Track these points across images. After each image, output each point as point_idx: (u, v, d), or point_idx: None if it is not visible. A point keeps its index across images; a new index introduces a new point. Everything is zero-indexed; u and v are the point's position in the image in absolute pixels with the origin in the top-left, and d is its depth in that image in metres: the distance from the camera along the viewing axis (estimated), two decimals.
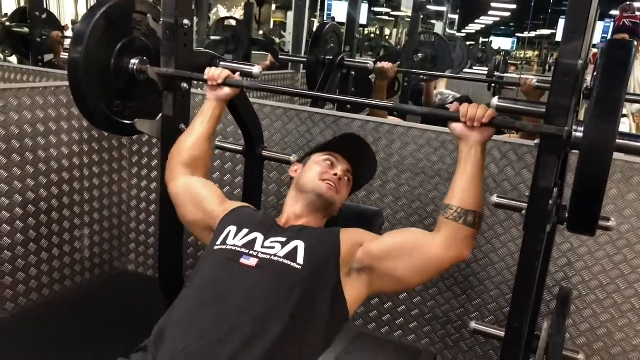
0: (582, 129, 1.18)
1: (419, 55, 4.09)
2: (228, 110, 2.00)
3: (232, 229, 1.47)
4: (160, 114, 1.79)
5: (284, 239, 1.41)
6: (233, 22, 4.57)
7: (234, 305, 1.29)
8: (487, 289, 2.16)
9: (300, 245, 1.39)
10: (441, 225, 1.36)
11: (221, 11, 9.26)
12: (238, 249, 1.41)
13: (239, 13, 9.65)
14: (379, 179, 2.24)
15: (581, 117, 1.47)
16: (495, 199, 1.56)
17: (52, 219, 2.37)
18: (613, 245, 1.95)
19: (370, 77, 4.18)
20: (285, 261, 1.36)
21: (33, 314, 2.32)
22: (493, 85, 4.61)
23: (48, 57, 4.19)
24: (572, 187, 1.15)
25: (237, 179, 2.49)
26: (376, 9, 17.17)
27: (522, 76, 2.86)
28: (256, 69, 1.78)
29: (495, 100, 1.39)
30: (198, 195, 1.60)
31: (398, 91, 4.42)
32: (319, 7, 10.83)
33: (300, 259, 1.36)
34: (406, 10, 14.15)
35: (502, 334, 1.53)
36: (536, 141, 1.45)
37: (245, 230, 1.45)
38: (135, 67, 1.75)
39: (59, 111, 2.31)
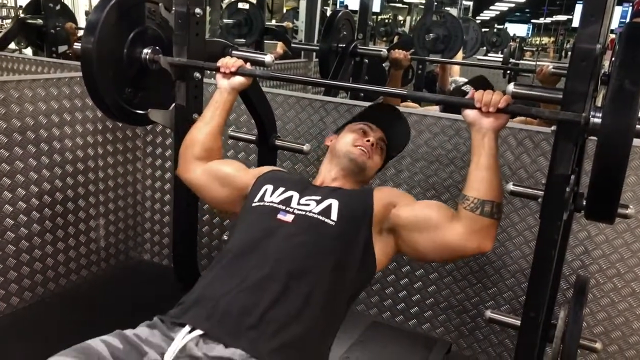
0: (600, 114, 1.15)
1: (431, 35, 4.00)
2: (241, 100, 2.00)
3: (269, 187, 1.52)
4: (174, 104, 1.79)
5: (318, 197, 1.46)
6: (246, 5, 4.53)
7: (270, 258, 1.33)
8: (503, 278, 2.14)
9: (334, 203, 1.43)
10: (460, 214, 1.36)
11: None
12: (275, 205, 1.45)
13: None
14: (392, 167, 2.22)
15: (598, 104, 1.45)
16: (511, 186, 1.54)
17: (68, 210, 2.39)
18: (631, 233, 1.92)
19: (383, 65, 4.14)
20: (320, 217, 1.40)
21: (50, 303, 2.35)
22: (508, 72, 4.55)
23: (62, 49, 4.20)
24: (590, 174, 1.13)
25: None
26: None
27: (538, 62, 2.81)
28: (268, 58, 1.77)
29: (511, 87, 1.37)
30: (223, 174, 1.63)
31: (412, 79, 4.38)
32: None
33: (334, 215, 1.40)
34: None
35: (518, 322, 1.52)
36: (553, 128, 1.43)
37: (281, 189, 1.50)
38: (147, 56, 1.75)
39: (73, 102, 2.32)
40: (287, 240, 1.37)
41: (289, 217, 1.41)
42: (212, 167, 1.65)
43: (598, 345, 1.63)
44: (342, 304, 1.40)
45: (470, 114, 1.36)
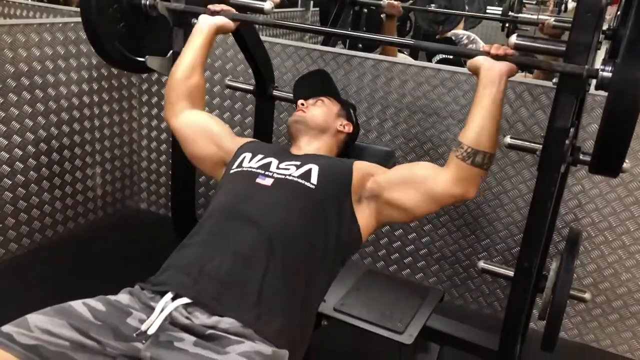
0: (610, 68, 1.15)
1: (432, 5, 3.99)
2: (238, 49, 1.98)
3: (247, 155, 1.51)
4: (171, 51, 1.77)
5: (298, 162, 1.46)
6: None
7: (251, 222, 1.32)
8: (496, 230, 2.17)
9: (314, 167, 1.43)
10: (450, 162, 1.36)
11: None
12: (254, 169, 1.45)
13: None
14: (390, 120, 2.22)
15: (599, 59, 1.44)
16: (508, 139, 1.54)
17: (64, 157, 2.39)
18: (625, 187, 1.95)
19: (381, 16, 4.06)
20: (300, 180, 1.40)
21: (48, 250, 2.38)
22: (507, 25, 4.48)
23: None
24: (599, 128, 1.12)
25: (247, 119, 2.48)
26: None
27: (540, 17, 2.78)
28: (267, 5, 1.72)
29: (513, 38, 1.36)
30: (210, 130, 1.61)
31: (410, 31, 4.32)
32: None
33: (314, 179, 1.40)
34: None
35: (511, 273, 1.56)
36: (554, 80, 1.42)
37: (260, 156, 1.50)
38: (147, 2, 1.71)
39: (68, 48, 2.28)
40: (267, 204, 1.36)
41: (268, 181, 1.40)
42: (200, 119, 1.62)
43: (587, 296, 1.66)
44: (327, 269, 1.40)
45: (477, 59, 1.34)
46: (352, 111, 1.71)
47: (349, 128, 1.66)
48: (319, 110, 1.63)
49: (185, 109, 1.61)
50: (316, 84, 1.74)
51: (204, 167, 1.65)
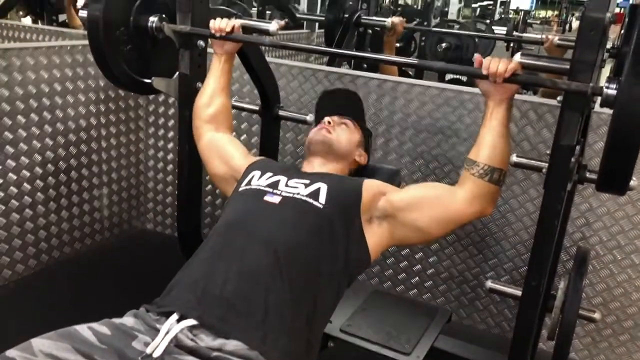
0: (614, 86, 1.15)
1: (443, 45, 4.04)
2: (244, 70, 1.99)
3: (256, 173, 1.52)
4: (177, 73, 1.79)
5: (307, 181, 1.46)
6: None
7: (258, 240, 1.32)
8: (504, 249, 2.16)
9: (323, 186, 1.43)
10: (465, 181, 1.35)
11: None
12: (262, 187, 1.45)
13: None
14: (396, 139, 2.22)
15: (603, 76, 1.44)
16: (514, 158, 1.54)
17: (71, 178, 2.40)
18: (633, 205, 1.94)
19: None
20: (308, 199, 1.40)
21: (55, 271, 2.37)
22: (512, 45, 4.51)
23: (62, 17, 4.17)
24: (605, 145, 1.12)
25: (253, 139, 2.49)
26: None
27: (544, 35, 2.79)
28: (273, 26, 1.75)
29: (517, 57, 1.36)
30: (224, 150, 1.65)
31: (415, 51, 4.35)
32: None
33: (323, 198, 1.40)
34: None
35: (519, 292, 1.54)
36: (559, 98, 1.42)
37: (269, 174, 1.50)
38: (154, 25, 1.74)
39: (75, 70, 2.31)
40: (274, 221, 1.36)
41: (276, 199, 1.40)
42: (215, 139, 1.66)
43: (597, 315, 1.65)
44: (334, 289, 1.38)
45: (482, 84, 1.35)
46: (369, 140, 1.71)
47: (364, 159, 1.67)
48: (344, 136, 1.62)
49: (209, 132, 1.68)
50: (346, 103, 1.72)
51: (221, 187, 1.70)
